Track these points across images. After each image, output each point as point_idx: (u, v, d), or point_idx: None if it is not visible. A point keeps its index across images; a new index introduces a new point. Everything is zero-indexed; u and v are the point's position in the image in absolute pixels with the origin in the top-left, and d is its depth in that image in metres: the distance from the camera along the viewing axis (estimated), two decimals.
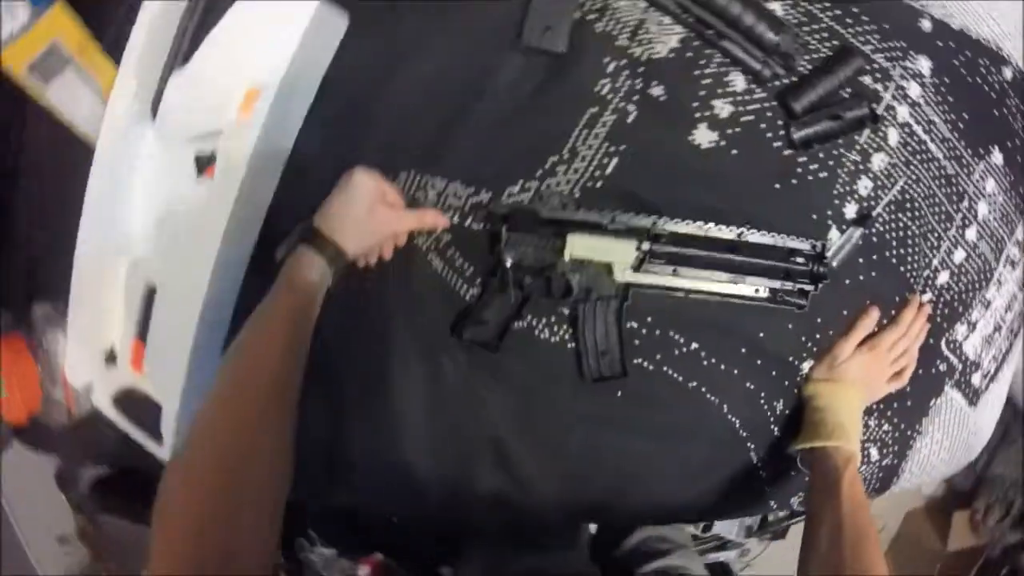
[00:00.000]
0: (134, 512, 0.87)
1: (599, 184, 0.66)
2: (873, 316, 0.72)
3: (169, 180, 0.66)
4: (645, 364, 0.71)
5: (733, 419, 0.74)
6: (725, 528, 1.49)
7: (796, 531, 1.56)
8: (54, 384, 0.82)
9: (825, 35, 0.66)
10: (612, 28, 0.64)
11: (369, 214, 0.66)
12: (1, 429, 0.93)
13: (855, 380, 0.72)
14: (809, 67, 0.65)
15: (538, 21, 0.62)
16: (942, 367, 0.77)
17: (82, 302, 0.74)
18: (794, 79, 0.65)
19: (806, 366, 0.74)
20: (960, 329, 0.77)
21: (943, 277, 0.74)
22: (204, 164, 0.65)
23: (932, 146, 0.69)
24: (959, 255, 0.73)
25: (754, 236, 0.66)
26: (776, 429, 0.76)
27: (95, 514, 0.87)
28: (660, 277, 0.68)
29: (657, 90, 0.64)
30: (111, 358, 0.75)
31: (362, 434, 0.73)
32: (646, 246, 0.66)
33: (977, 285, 0.75)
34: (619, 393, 0.72)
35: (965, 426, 0.81)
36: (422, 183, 0.67)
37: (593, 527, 1.02)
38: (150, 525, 0.86)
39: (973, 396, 0.80)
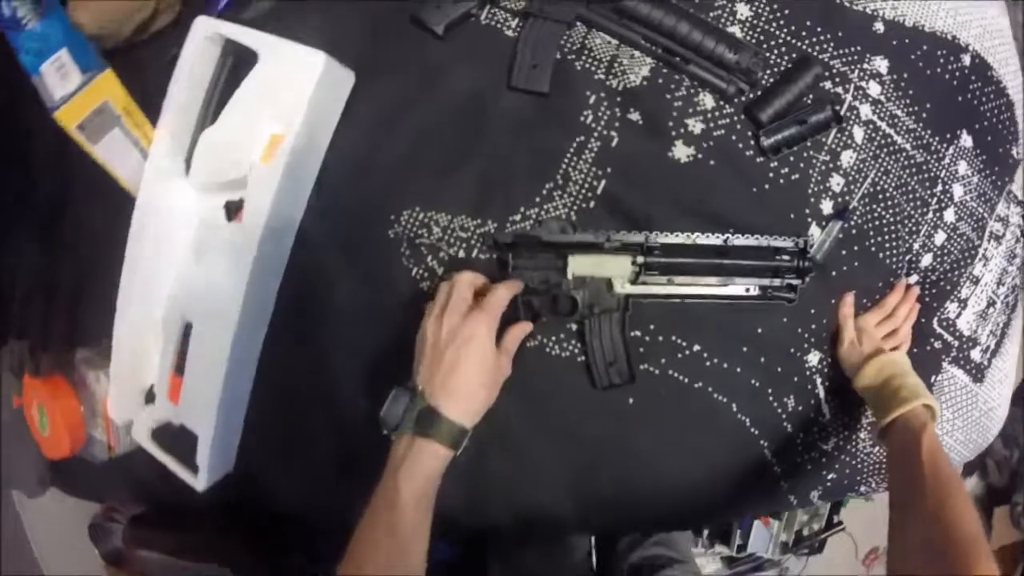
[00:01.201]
0: (168, 546, 0.89)
1: (591, 204, 0.71)
2: (849, 301, 0.75)
3: (202, 226, 0.72)
4: (651, 369, 0.75)
5: (742, 418, 0.77)
6: (760, 546, 1.46)
7: (834, 543, 1.55)
8: (95, 422, 0.84)
9: (783, 50, 0.71)
10: (589, 64, 0.70)
11: (495, 369, 0.60)
12: (41, 470, 0.95)
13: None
14: (771, 80, 0.71)
15: (525, 62, 0.68)
16: (937, 344, 0.80)
17: (124, 346, 0.77)
18: (758, 93, 0.71)
19: (811, 358, 0.77)
20: (951, 307, 0.79)
21: (926, 259, 0.77)
22: (233, 209, 0.71)
23: (898, 138, 0.73)
24: (940, 237, 0.77)
25: (739, 240, 0.70)
26: (789, 426, 0.78)
27: (133, 551, 0.90)
28: (656, 287, 0.72)
29: (635, 115, 0.70)
30: (150, 398, 0.79)
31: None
32: (640, 260, 0.71)
33: (962, 263, 0.78)
34: (631, 400, 0.76)
35: (975, 404, 0.83)
36: (425, 220, 0.72)
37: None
38: (182, 558, 0.87)
39: (976, 372, 0.83)
